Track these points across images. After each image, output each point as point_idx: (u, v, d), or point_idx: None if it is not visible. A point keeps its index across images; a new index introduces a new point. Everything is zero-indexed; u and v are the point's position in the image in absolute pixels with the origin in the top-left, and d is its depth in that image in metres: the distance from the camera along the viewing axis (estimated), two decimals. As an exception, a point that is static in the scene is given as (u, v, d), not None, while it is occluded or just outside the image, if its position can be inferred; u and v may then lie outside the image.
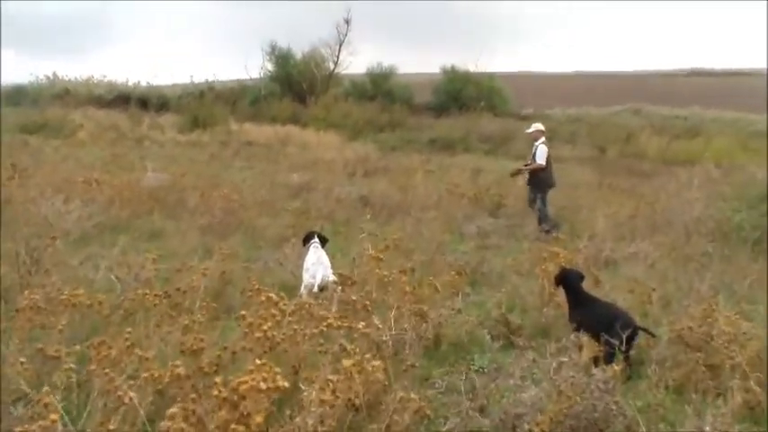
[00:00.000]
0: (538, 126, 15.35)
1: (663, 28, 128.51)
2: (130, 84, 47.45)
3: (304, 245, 9.37)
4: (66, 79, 47.14)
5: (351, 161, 24.61)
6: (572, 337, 6.54)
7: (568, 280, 7.65)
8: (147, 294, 6.25)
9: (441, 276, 9.12)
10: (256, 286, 6.35)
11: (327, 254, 9.13)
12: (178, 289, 6.63)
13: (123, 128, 33.76)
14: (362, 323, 5.60)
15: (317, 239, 9.22)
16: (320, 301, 7.15)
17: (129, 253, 9.90)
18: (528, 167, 14.89)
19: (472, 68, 44.53)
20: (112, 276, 8.13)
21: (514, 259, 11.41)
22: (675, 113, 42.17)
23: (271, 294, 6.09)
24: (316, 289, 8.37)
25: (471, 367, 6.84)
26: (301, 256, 9.27)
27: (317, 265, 8.64)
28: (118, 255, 9.47)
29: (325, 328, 5.36)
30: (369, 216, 13.91)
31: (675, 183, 19.06)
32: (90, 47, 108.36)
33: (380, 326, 6.06)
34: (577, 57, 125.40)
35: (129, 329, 5.42)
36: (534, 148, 14.89)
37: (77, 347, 5.33)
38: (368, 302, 6.72)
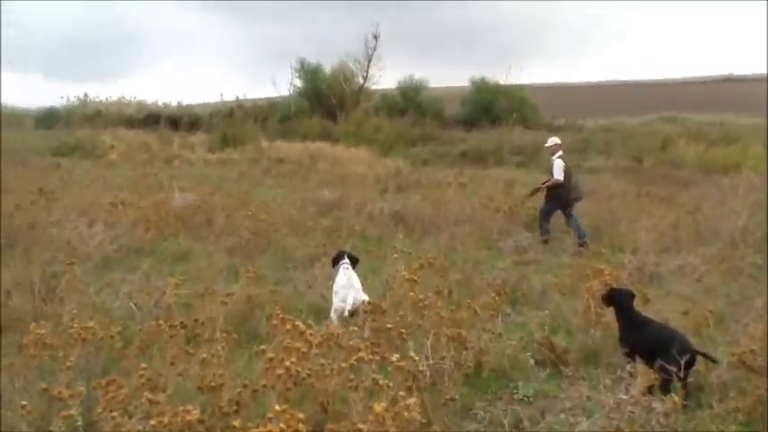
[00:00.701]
0: (555, 140, 14.75)
1: (694, 35, 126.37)
2: (161, 104, 47.58)
3: (333, 266, 8.82)
4: (98, 100, 47.36)
5: (382, 176, 24.23)
6: (628, 367, 5.96)
7: (619, 300, 7.06)
8: (162, 326, 5.77)
9: (479, 297, 8.71)
10: (281, 315, 5.85)
11: (358, 274, 8.63)
12: (196, 320, 6.16)
13: (154, 148, 33.67)
14: (396, 355, 5.05)
15: (347, 260, 8.65)
16: (351, 328, 6.62)
17: (153, 277, 9.55)
18: (546, 184, 14.40)
19: (502, 80, 43.89)
20: (131, 304, 7.70)
21: (556, 276, 10.85)
22: (710, 120, 41.18)
23: (297, 323, 5.63)
24: (346, 313, 7.85)
25: (515, 396, 6.42)
26: (331, 278, 8.82)
27: (347, 288, 8.12)
28: (140, 279, 9.07)
29: (355, 363, 4.83)
30: (401, 234, 13.66)
31: (717, 191, 18.37)
32: (120, 70, 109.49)
33: (416, 357, 5.51)
34: (607, 66, 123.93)
35: (143, 366, 4.96)
36: (551, 163, 14.44)
37: (85, 387, 4.87)
38: (402, 330, 6.20)
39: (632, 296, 7.14)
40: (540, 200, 14.77)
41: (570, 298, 9.31)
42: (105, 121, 41.18)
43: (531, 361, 7.22)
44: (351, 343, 5.50)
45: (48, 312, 7.10)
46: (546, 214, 14.32)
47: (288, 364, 4.51)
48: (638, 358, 6.50)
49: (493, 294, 8.71)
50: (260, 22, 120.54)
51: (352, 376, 4.85)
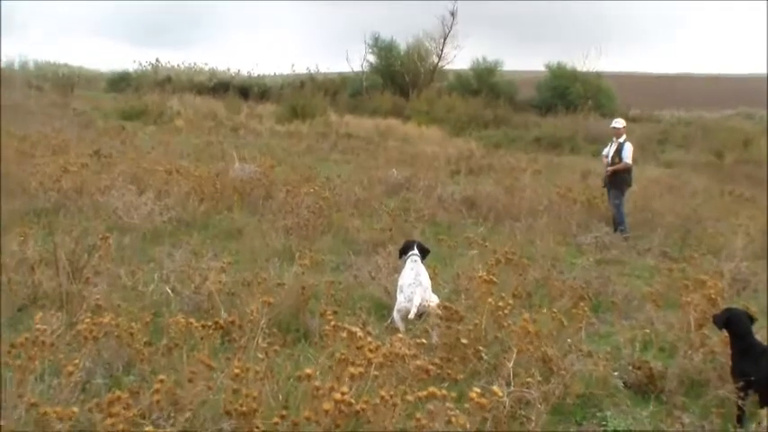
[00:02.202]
0: (622, 122, 14.25)
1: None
2: (232, 72, 47.07)
3: (401, 257, 7.77)
4: (169, 66, 47.07)
5: (453, 157, 23.35)
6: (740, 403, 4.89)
7: (737, 324, 5.87)
8: (194, 324, 4.81)
9: (559, 300, 8.09)
10: (333, 322, 4.84)
11: (427, 266, 7.65)
12: (233, 322, 5.18)
13: (221, 116, 33.16)
14: (476, 391, 3.97)
15: (416, 251, 7.60)
16: (418, 338, 5.55)
17: (201, 255, 8.68)
18: (613, 168, 13.63)
19: (579, 67, 42.44)
20: (167, 288, 6.78)
21: (646, 282, 9.98)
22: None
23: (354, 329, 4.63)
24: (412, 315, 6.83)
25: (604, 429, 5.54)
26: (397, 270, 7.88)
27: (414, 286, 7.07)
28: (185, 257, 8.21)
29: (423, 396, 3.78)
30: (474, 221, 12.97)
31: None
32: (193, 39, 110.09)
33: (499, 392, 4.41)
34: (684, 58, 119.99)
35: (161, 378, 4.00)
36: (618, 146, 13.70)
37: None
38: (480, 348, 5.14)
39: (751, 320, 5.99)
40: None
41: (663, 309, 8.25)
42: (175, 86, 40.78)
43: (621, 384, 6.28)
44: (418, 363, 4.45)
45: (74, 293, 6.21)
46: (620, 206, 13.62)
47: (339, 396, 3.48)
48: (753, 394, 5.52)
49: (576, 299, 8.01)
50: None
51: (418, 415, 3.78)
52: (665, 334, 7.47)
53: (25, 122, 21.42)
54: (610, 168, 13.66)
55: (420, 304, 6.86)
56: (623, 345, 6.96)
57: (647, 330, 7.43)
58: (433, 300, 7.11)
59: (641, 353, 6.79)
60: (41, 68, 46.92)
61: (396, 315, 7.09)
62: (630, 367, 6.52)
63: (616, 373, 6.37)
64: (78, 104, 32.66)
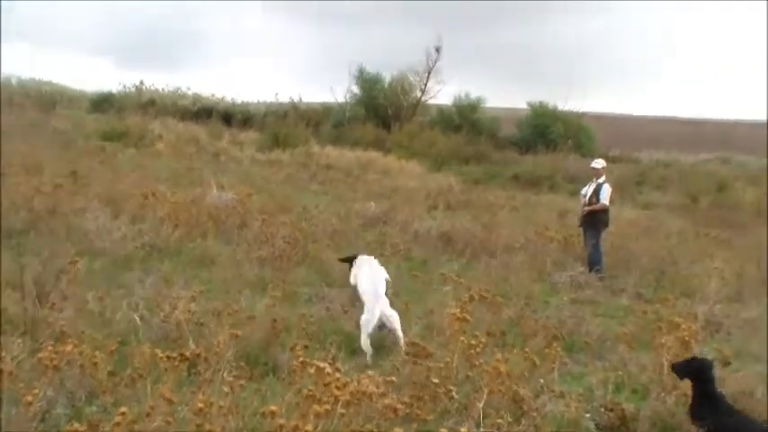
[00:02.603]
0: (602, 162, 14.18)
1: (749, 78, 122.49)
2: (216, 98, 46.95)
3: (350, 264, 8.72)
4: (153, 89, 46.91)
5: (432, 192, 23.30)
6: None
7: (700, 374, 6.03)
8: (159, 355, 4.72)
9: (533, 339, 8.14)
10: (301, 358, 4.76)
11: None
12: (198, 354, 5.08)
13: (202, 141, 33.05)
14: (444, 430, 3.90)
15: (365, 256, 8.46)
16: (388, 375, 5.47)
17: (172, 282, 8.60)
18: (590, 208, 13.60)
19: (561, 106, 42.70)
20: (135, 316, 6.68)
21: (619, 322, 9.99)
22: (763, 163, 39.84)
23: (323, 365, 4.55)
24: (371, 328, 7.48)
25: None
26: (353, 276, 8.52)
27: (373, 298, 7.79)
28: (155, 284, 8.11)
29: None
30: (449, 257, 12.98)
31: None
32: (178, 63, 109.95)
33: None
34: (662, 102, 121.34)
35: (122, 411, 3.90)
36: (596, 186, 13.65)
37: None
38: (451, 388, 5.07)
39: (712, 368, 6.12)
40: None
41: (636, 350, 8.26)
42: (158, 110, 40.58)
43: (593, 426, 6.25)
44: (387, 402, 4.38)
45: (39, 318, 6.09)
46: (596, 246, 13.55)
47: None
48: None
49: (549, 338, 8.04)
50: (322, 28, 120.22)
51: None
52: (638, 376, 7.50)
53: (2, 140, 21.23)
54: (587, 208, 13.64)
55: (380, 317, 7.53)
56: (596, 386, 6.95)
57: (620, 372, 7.46)
58: (393, 314, 7.70)
59: (614, 394, 6.79)
60: (24, 86, 46.66)
61: (363, 339, 7.45)
62: (603, 409, 6.48)
63: (588, 415, 6.32)
64: (59, 123, 32.52)
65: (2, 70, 47.10)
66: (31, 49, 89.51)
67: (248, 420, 4.62)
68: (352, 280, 8.65)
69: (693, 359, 6.33)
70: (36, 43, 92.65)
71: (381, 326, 7.55)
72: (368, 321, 7.51)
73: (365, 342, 7.43)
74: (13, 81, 47.49)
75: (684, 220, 23.47)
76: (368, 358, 7.33)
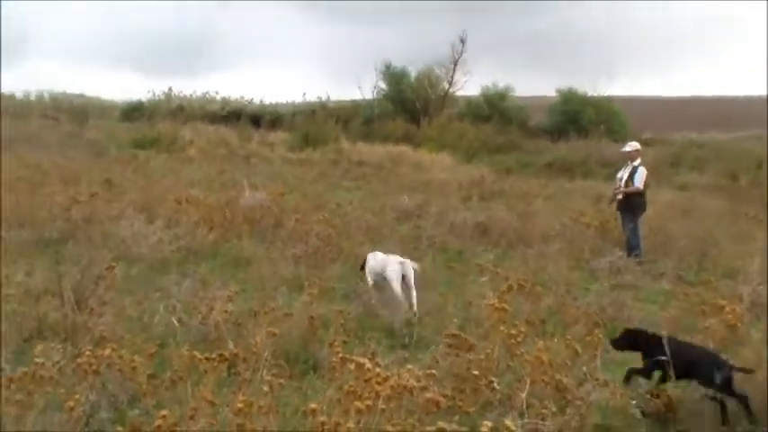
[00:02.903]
0: (635, 145, 13.93)
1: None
2: (244, 100, 47.26)
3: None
4: (182, 95, 47.36)
5: (465, 183, 23.20)
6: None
7: (637, 343, 6.64)
8: (197, 357, 4.72)
9: (573, 327, 7.98)
10: (340, 354, 4.72)
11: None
12: (237, 355, 5.08)
13: (233, 144, 33.26)
14: (487, 425, 3.84)
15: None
16: (427, 369, 5.43)
17: (209, 283, 8.63)
18: (623, 191, 13.46)
19: (590, 91, 42.30)
20: (173, 319, 6.71)
21: (661, 307, 9.79)
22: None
23: (362, 360, 4.52)
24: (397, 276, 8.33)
25: None
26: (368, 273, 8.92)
27: (383, 261, 8.71)
28: (192, 287, 8.14)
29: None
30: (485, 248, 12.95)
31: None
32: (205, 67, 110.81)
33: (511, 424, 4.26)
34: (695, 81, 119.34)
35: (163, 413, 3.90)
36: (631, 170, 13.47)
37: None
38: (493, 379, 5.00)
39: (648, 335, 6.65)
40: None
41: (678, 334, 8.02)
42: (188, 115, 40.96)
43: (639, 413, 6.10)
44: (428, 395, 4.33)
45: (79, 324, 6.14)
46: (634, 230, 13.34)
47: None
48: None
49: (590, 326, 7.87)
50: (347, 25, 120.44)
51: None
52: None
53: (39, 153, 21.54)
54: (617, 191, 13.57)
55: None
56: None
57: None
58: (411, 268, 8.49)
59: (659, 380, 6.56)
60: (57, 99, 47.37)
61: (396, 287, 8.31)
62: (648, 395, 6.31)
63: (634, 402, 6.18)
64: (93, 134, 32.97)
65: (34, 87, 48.15)
66: (60, 66, 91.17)
67: (289, 419, 4.62)
68: (369, 279, 9.00)
69: (628, 331, 6.89)
70: (66, 59, 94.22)
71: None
72: (393, 272, 8.34)
73: (398, 290, 8.25)
74: (46, 96, 48.32)
75: (723, 200, 22.96)
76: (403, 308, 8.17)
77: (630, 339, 6.70)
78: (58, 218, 11.64)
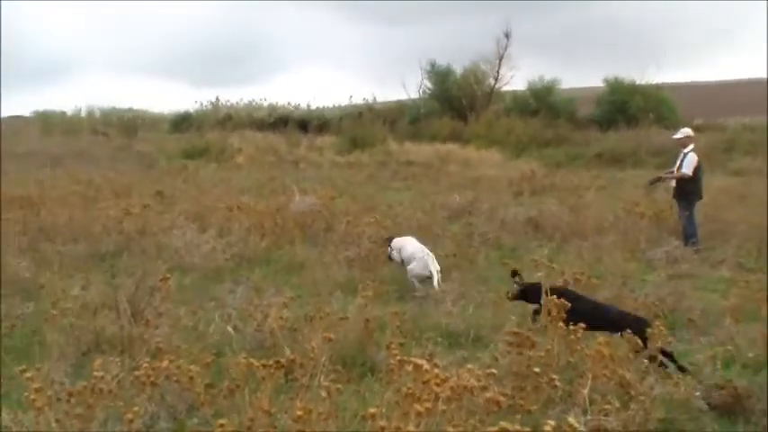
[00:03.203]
0: (687, 132, 13.80)
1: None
2: (291, 106, 47.54)
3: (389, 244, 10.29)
4: (229, 104, 47.82)
5: (515, 179, 22.93)
6: None
7: (524, 294, 7.97)
8: (254, 364, 4.70)
9: None
10: (398, 357, 4.66)
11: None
12: (294, 361, 5.05)
13: (281, 150, 33.48)
14: (550, 424, 3.74)
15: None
16: (487, 368, 5.35)
17: (263, 290, 8.65)
18: (670, 176, 13.46)
19: (638, 80, 41.67)
20: (229, 327, 6.71)
21: (722, 295, 9.55)
22: None
23: (420, 362, 4.44)
24: (436, 285, 9.20)
25: None
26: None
27: (425, 254, 9.58)
28: (247, 294, 8.17)
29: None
30: (539, 243, 12.94)
31: None
32: (251, 75, 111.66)
33: (574, 422, 4.15)
34: (745, 65, 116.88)
35: (221, 422, 3.87)
36: (682, 156, 13.28)
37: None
38: (554, 377, 4.89)
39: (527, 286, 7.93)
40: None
41: (743, 323, 7.89)
42: (235, 124, 41.36)
43: (705, 406, 5.89)
44: (488, 395, 4.24)
45: (135, 336, 6.18)
46: (689, 218, 13.12)
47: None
48: None
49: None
50: (390, 25, 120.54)
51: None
52: (748, 350, 7.12)
53: (90, 168, 21.93)
54: (664, 176, 13.61)
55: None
56: (704, 363, 6.61)
57: (728, 347, 7.07)
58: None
59: (724, 371, 6.43)
60: (107, 114, 48.20)
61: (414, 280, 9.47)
62: (714, 387, 6.16)
63: (698, 394, 5.98)
64: (143, 147, 33.45)
65: (85, 103, 49.12)
66: (109, 80, 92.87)
67: (348, 423, 4.57)
68: (395, 255, 10.12)
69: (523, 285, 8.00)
70: (113, 73, 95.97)
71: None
72: (421, 276, 9.47)
73: (432, 266, 9.39)
74: (96, 112, 49.20)
75: (781, 184, 22.57)
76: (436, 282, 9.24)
77: (523, 293, 7.92)
78: (112, 231, 11.81)
